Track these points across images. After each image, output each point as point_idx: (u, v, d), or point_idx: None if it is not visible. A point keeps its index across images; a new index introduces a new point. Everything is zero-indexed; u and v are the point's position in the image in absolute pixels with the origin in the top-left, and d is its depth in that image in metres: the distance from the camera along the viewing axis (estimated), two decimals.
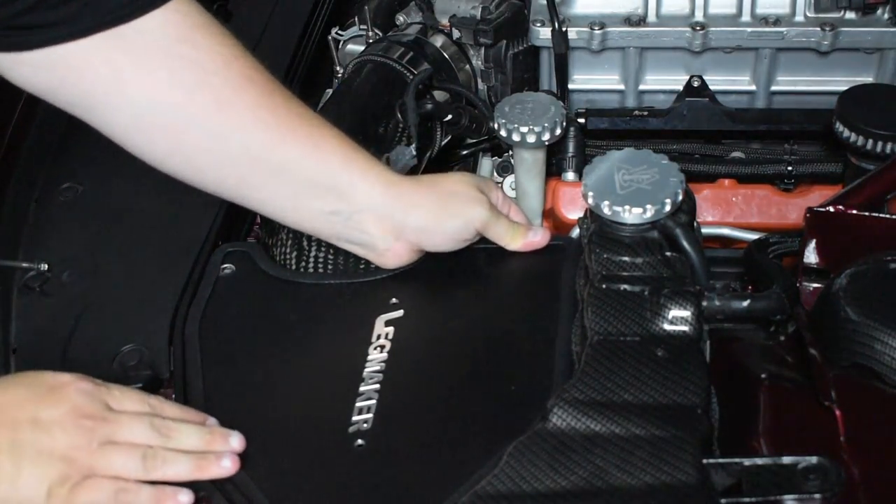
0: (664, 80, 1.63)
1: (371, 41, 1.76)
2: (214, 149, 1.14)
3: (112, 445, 0.98)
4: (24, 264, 1.28)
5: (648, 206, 1.12)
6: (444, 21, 1.71)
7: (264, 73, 1.16)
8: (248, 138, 1.14)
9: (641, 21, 1.59)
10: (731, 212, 1.47)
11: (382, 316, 1.19)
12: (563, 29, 1.56)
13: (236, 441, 1.03)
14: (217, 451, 1.02)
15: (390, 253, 1.23)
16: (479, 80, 1.72)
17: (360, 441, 1.05)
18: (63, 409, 0.97)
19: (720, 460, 0.95)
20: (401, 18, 1.77)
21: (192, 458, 1.01)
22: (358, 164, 1.20)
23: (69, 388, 0.99)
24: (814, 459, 0.92)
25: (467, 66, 1.71)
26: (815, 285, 1.18)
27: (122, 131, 1.15)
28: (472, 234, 1.23)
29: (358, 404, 1.09)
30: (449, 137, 1.63)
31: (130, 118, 1.12)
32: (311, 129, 1.18)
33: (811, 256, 1.18)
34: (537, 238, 1.25)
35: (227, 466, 1.01)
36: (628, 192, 1.13)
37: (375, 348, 1.15)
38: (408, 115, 1.48)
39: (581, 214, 1.25)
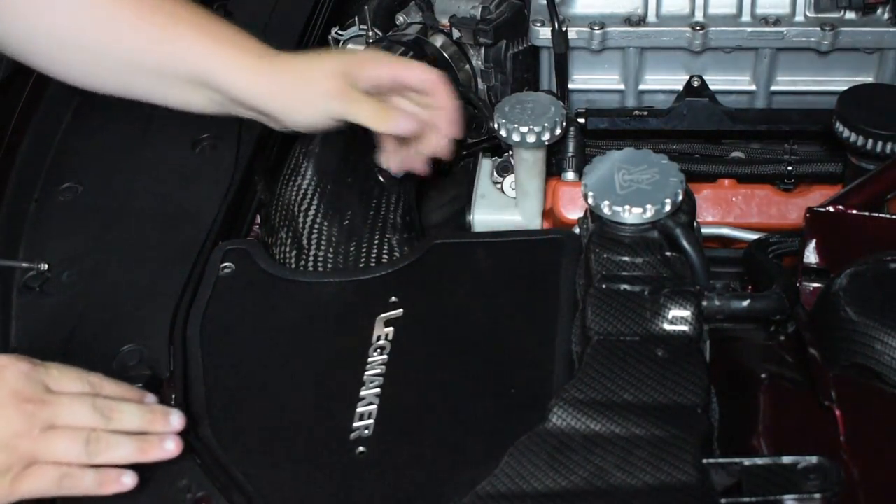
0: (664, 80, 1.63)
1: (371, 41, 1.76)
2: (98, 60, 1.27)
3: (54, 430, 0.97)
4: (24, 264, 1.28)
5: (648, 206, 1.12)
6: (444, 21, 1.71)
7: None
8: (125, 48, 1.26)
9: (641, 21, 1.59)
10: (731, 212, 1.47)
11: (382, 316, 1.19)
12: (563, 29, 1.56)
13: (177, 420, 1.03)
14: (159, 431, 1.02)
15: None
16: (479, 80, 1.72)
17: (361, 448, 1.05)
18: (2, 393, 0.97)
19: (720, 460, 0.95)
20: (401, 18, 1.77)
21: (134, 441, 1.00)
22: (220, 57, 1.26)
23: (7, 370, 0.98)
24: (814, 459, 0.93)
25: (467, 66, 1.71)
26: (815, 285, 1.18)
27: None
28: (332, 122, 1.31)
29: (359, 409, 1.09)
30: None
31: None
32: (174, 28, 1.26)
33: (811, 256, 1.18)
34: (403, 125, 1.31)
35: (169, 449, 1.01)
36: (628, 192, 1.13)
37: (375, 350, 1.15)
38: None
39: (581, 214, 1.25)
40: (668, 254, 1.12)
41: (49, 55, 1.28)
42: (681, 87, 1.59)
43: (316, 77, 1.28)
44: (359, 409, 1.09)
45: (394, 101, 1.34)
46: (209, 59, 1.26)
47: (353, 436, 1.06)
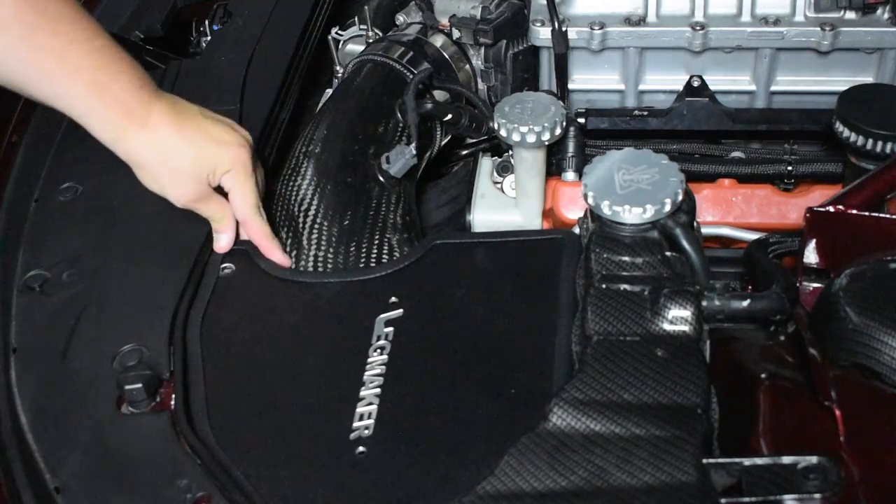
0: (664, 80, 1.63)
1: (371, 41, 1.76)
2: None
3: None
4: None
5: (648, 206, 1.12)
6: (444, 21, 1.71)
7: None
8: (13, 74, 1.14)
9: (641, 21, 1.59)
10: (731, 212, 1.47)
11: (382, 316, 1.19)
12: (563, 29, 1.56)
13: None
14: None
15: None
16: (479, 80, 1.72)
17: (361, 448, 1.05)
18: None
19: (720, 460, 0.95)
20: (401, 18, 1.77)
21: None
22: (93, 118, 1.18)
23: None
24: (814, 459, 0.93)
25: (467, 66, 1.71)
26: (815, 285, 1.18)
27: None
28: (183, 206, 1.26)
29: (359, 409, 1.09)
30: (449, 137, 1.63)
31: None
32: (62, 69, 1.14)
33: (811, 256, 1.18)
34: (222, 243, 1.29)
35: None
36: (628, 192, 1.13)
37: (375, 350, 1.15)
38: (407, 115, 1.48)
39: (581, 214, 1.25)
40: (668, 254, 1.12)
41: None
42: (681, 87, 1.59)
43: (177, 171, 1.23)
44: (359, 409, 1.09)
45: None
46: (88, 121, 1.18)
47: (353, 436, 1.06)
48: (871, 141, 1.35)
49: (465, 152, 1.73)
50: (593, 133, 1.59)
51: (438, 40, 1.70)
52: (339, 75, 1.79)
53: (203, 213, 1.28)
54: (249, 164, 1.27)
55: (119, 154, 1.22)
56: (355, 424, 1.07)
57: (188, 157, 1.22)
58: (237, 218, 1.30)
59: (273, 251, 1.30)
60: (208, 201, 1.27)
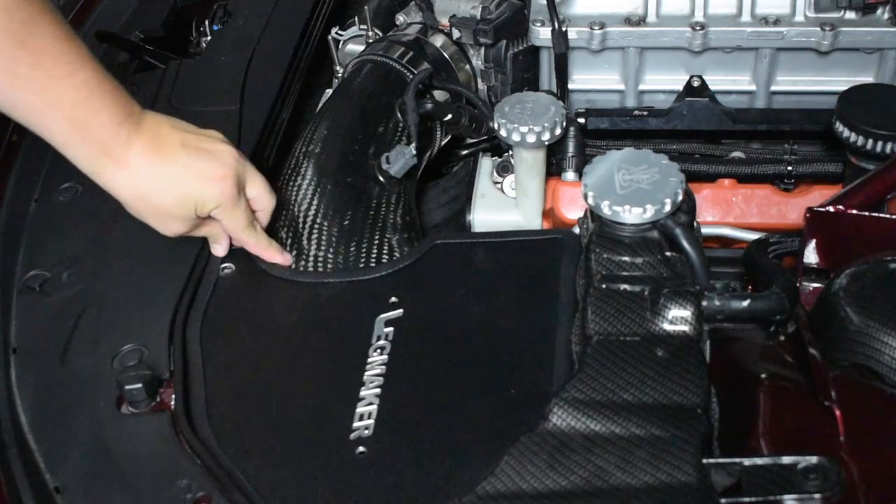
0: (664, 80, 1.63)
1: (371, 41, 1.76)
2: None
3: None
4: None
5: (648, 206, 1.12)
6: (444, 21, 1.71)
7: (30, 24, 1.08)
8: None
9: (641, 21, 1.59)
10: (731, 212, 1.47)
11: (382, 316, 1.19)
12: (563, 29, 1.56)
13: None
14: None
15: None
16: (479, 80, 1.72)
17: (361, 448, 1.05)
18: None
19: (720, 460, 0.95)
20: (401, 18, 1.77)
21: None
22: (74, 150, 1.16)
23: None
24: (814, 459, 0.92)
25: (467, 66, 1.71)
26: (815, 285, 1.18)
27: None
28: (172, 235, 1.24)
29: (359, 410, 1.09)
30: (449, 137, 1.63)
31: None
32: (42, 102, 1.11)
33: (811, 256, 1.18)
34: (219, 253, 1.29)
35: None
36: (628, 192, 1.13)
37: (375, 350, 1.15)
38: (407, 115, 1.48)
39: (581, 214, 1.25)
40: (668, 254, 1.12)
41: None
42: (681, 87, 1.59)
43: (161, 212, 1.21)
44: (359, 409, 1.09)
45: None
46: (69, 153, 1.16)
47: (353, 436, 1.06)
48: (871, 141, 1.35)
49: (465, 152, 1.73)
50: (593, 133, 1.59)
51: (438, 40, 1.70)
52: (339, 75, 1.79)
53: (196, 235, 1.28)
54: (234, 193, 1.23)
55: (99, 184, 1.19)
56: (355, 424, 1.07)
57: (170, 198, 1.20)
58: (232, 239, 1.30)
59: (274, 256, 1.30)
60: (198, 228, 1.26)
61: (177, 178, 1.20)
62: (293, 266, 1.31)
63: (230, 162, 1.23)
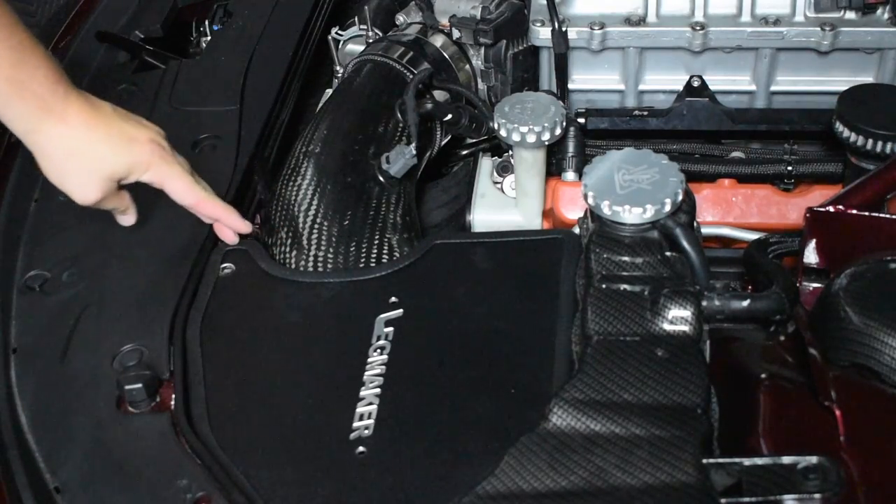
0: (664, 80, 1.63)
1: (371, 41, 1.76)
2: None
3: None
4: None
5: (648, 206, 1.12)
6: (444, 21, 1.71)
7: None
8: None
9: (641, 21, 1.59)
10: (731, 212, 1.47)
11: (382, 316, 1.19)
12: (563, 29, 1.56)
13: None
14: None
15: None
16: (479, 80, 1.72)
17: (361, 448, 1.05)
18: None
19: (720, 460, 0.95)
20: (401, 18, 1.77)
21: None
22: (7, 108, 1.16)
23: None
24: (814, 459, 0.93)
25: (467, 66, 1.71)
26: (815, 285, 1.18)
27: None
28: (90, 205, 1.24)
29: (359, 410, 1.09)
30: (449, 137, 1.63)
31: None
32: None
33: (811, 256, 1.18)
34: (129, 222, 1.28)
35: None
36: (628, 192, 1.13)
37: (375, 350, 1.15)
38: (407, 115, 1.48)
39: (581, 214, 1.25)
40: (668, 254, 1.12)
41: None
42: (681, 87, 1.59)
43: (88, 172, 1.21)
44: (359, 409, 1.09)
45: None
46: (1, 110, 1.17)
47: (353, 436, 1.06)
48: (871, 141, 1.35)
49: (465, 152, 1.73)
50: (593, 133, 1.59)
51: (438, 40, 1.70)
52: (339, 75, 1.79)
53: (105, 207, 1.26)
54: (168, 151, 1.25)
55: (29, 145, 1.20)
56: (355, 424, 1.07)
57: (102, 154, 1.21)
58: (185, 205, 1.28)
59: (233, 219, 1.30)
60: (111, 198, 1.25)
61: (112, 136, 1.21)
62: (256, 232, 1.31)
63: (159, 130, 1.26)
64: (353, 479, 1.03)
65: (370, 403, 1.09)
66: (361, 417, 1.08)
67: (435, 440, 1.06)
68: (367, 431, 1.07)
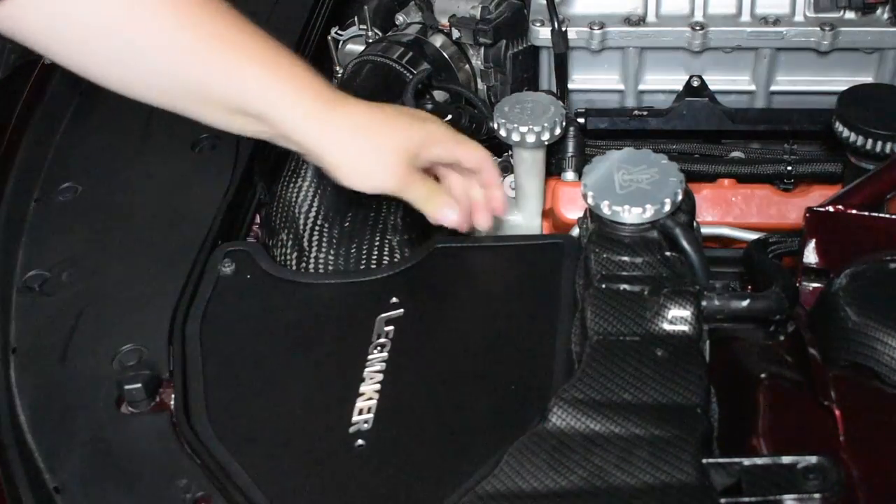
0: (664, 80, 1.63)
1: (371, 41, 1.76)
2: (130, 63, 1.10)
3: None
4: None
5: (648, 206, 1.12)
6: (444, 21, 1.71)
7: None
8: (167, 59, 1.09)
9: (641, 21, 1.59)
10: (730, 212, 1.47)
11: (383, 315, 1.19)
12: (563, 29, 1.56)
13: None
14: None
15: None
16: (479, 80, 1.72)
17: (360, 441, 1.05)
18: None
19: (720, 460, 0.95)
20: (400, 18, 1.77)
21: None
22: (283, 98, 1.14)
23: None
24: (814, 459, 0.92)
25: (467, 66, 1.71)
26: (815, 285, 1.18)
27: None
28: (387, 191, 1.20)
29: (358, 404, 1.09)
30: None
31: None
32: (234, 51, 1.11)
33: (811, 256, 1.18)
34: (451, 217, 1.23)
35: None
36: (628, 192, 1.13)
37: (375, 348, 1.15)
38: None
39: (581, 214, 1.25)
40: (667, 254, 1.12)
41: (68, 44, 1.09)
42: (681, 87, 1.59)
43: (382, 149, 1.17)
44: (358, 404, 1.09)
45: (449, 180, 1.28)
46: (270, 99, 1.13)
47: (352, 429, 1.06)
48: (870, 141, 1.35)
49: None
50: (593, 133, 1.59)
51: (438, 40, 1.70)
52: (339, 75, 1.79)
53: (410, 196, 1.21)
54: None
55: (304, 133, 1.14)
56: (354, 418, 1.07)
57: (392, 128, 1.17)
58: (475, 165, 1.24)
59: (500, 193, 1.27)
60: (413, 184, 1.20)
61: (396, 115, 1.19)
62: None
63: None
64: (351, 473, 1.03)
65: (370, 398, 1.09)
66: (361, 412, 1.08)
67: (434, 435, 1.06)
68: (366, 425, 1.07)
